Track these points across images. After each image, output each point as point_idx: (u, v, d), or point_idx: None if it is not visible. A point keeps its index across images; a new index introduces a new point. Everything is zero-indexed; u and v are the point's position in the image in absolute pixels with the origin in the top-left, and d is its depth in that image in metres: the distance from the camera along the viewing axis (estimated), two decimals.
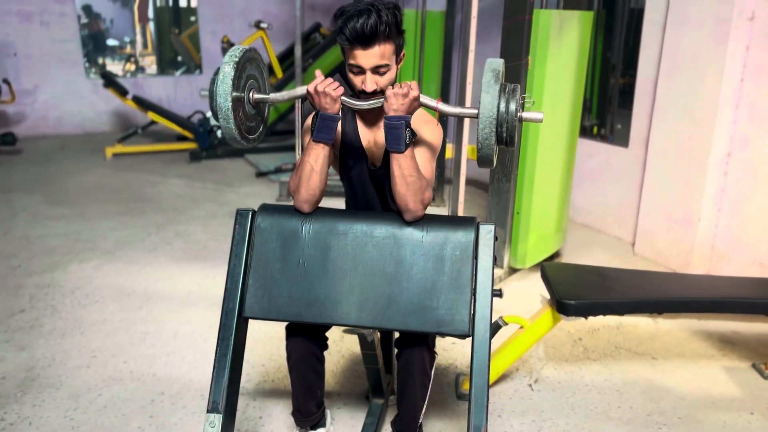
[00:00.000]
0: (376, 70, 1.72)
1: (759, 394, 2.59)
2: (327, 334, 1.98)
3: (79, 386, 2.57)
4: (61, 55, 8.40)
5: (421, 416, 2.00)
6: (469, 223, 1.78)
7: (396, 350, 1.95)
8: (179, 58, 9.46)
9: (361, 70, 1.72)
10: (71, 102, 8.57)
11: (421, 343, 1.85)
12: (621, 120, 4.42)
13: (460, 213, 3.51)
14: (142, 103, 7.36)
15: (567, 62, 3.49)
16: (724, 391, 2.62)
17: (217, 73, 1.72)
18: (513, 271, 3.76)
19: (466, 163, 3.54)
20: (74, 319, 3.16)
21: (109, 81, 7.26)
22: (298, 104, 5.19)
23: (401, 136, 1.68)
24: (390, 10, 1.68)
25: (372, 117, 1.86)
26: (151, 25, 9.23)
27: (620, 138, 4.42)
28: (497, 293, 1.75)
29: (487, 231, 1.75)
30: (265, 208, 1.86)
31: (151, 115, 7.26)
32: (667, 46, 3.80)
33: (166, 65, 9.32)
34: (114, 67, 9.01)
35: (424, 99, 1.70)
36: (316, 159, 1.76)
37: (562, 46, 3.41)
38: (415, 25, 4.97)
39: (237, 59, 1.71)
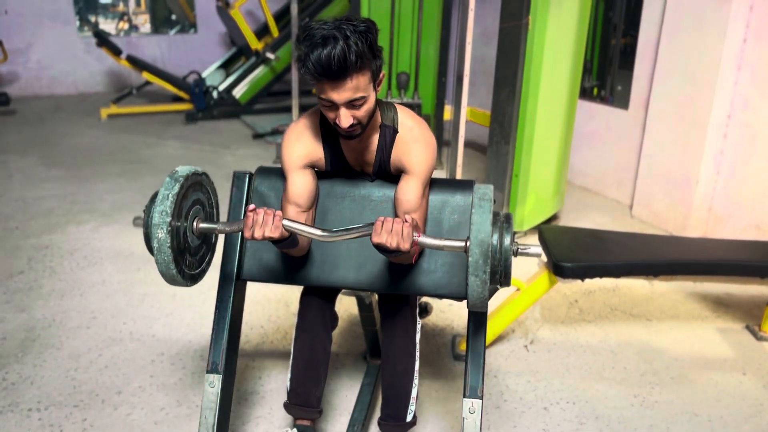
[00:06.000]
0: (351, 103, 1.48)
1: (751, 355, 2.63)
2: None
3: (79, 347, 2.59)
4: (53, 14, 8.24)
5: (413, 401, 1.82)
6: (467, 186, 1.77)
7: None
8: (173, 17, 9.29)
9: (333, 105, 1.49)
10: (64, 61, 8.44)
11: (402, 302, 1.82)
12: (621, 81, 4.37)
13: (459, 176, 3.50)
14: (137, 63, 7.26)
15: (568, 22, 3.43)
16: (717, 352, 2.65)
17: (153, 199, 1.48)
18: None
19: (464, 125, 3.51)
20: (73, 280, 3.17)
21: (103, 40, 7.14)
22: (294, 68, 5.09)
23: (390, 256, 1.54)
24: (362, 34, 1.42)
25: (356, 139, 1.63)
26: None
27: (620, 100, 4.38)
28: None
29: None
30: (263, 171, 1.85)
31: (146, 75, 7.16)
32: (669, 5, 3.74)
33: (160, 24, 9.16)
34: (107, 25, 8.85)
35: (418, 240, 1.44)
36: (289, 251, 1.67)
37: (563, 6, 3.34)
38: None
39: (176, 194, 1.46)
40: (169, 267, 1.47)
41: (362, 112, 1.52)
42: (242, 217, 1.78)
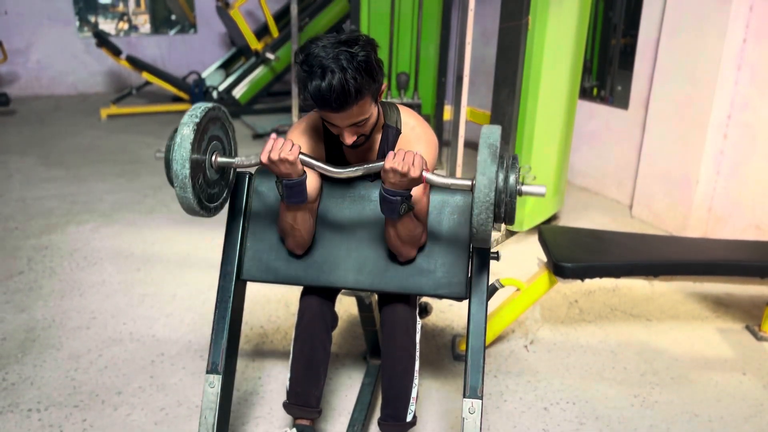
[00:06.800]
0: (354, 125, 1.52)
1: (751, 355, 2.63)
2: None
3: (79, 347, 2.59)
4: (53, 14, 8.24)
5: (413, 401, 1.82)
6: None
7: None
8: (173, 17, 9.28)
9: (335, 125, 1.53)
10: (64, 62, 8.44)
11: (402, 300, 1.81)
12: (621, 81, 4.37)
13: (459, 175, 3.50)
14: (137, 63, 7.26)
15: (568, 22, 3.43)
16: (717, 352, 2.65)
17: (174, 133, 1.52)
18: (510, 233, 3.77)
19: (464, 125, 3.51)
20: (73, 281, 3.17)
21: (102, 40, 7.14)
22: (294, 69, 5.10)
23: (396, 209, 1.54)
24: (360, 63, 1.42)
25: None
26: None
27: (620, 100, 4.38)
28: (494, 256, 1.75)
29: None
30: (263, 171, 1.84)
31: (146, 76, 7.16)
32: (669, 5, 3.74)
33: (160, 24, 9.16)
34: (106, 25, 8.85)
35: (426, 175, 1.49)
36: (294, 218, 1.66)
37: (563, 6, 3.34)
38: None
39: (198, 119, 1.50)
40: (186, 186, 1.48)
41: (366, 128, 1.57)
42: (244, 211, 1.79)
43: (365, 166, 1.54)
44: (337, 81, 1.40)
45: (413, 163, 1.46)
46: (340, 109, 1.45)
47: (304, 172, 1.58)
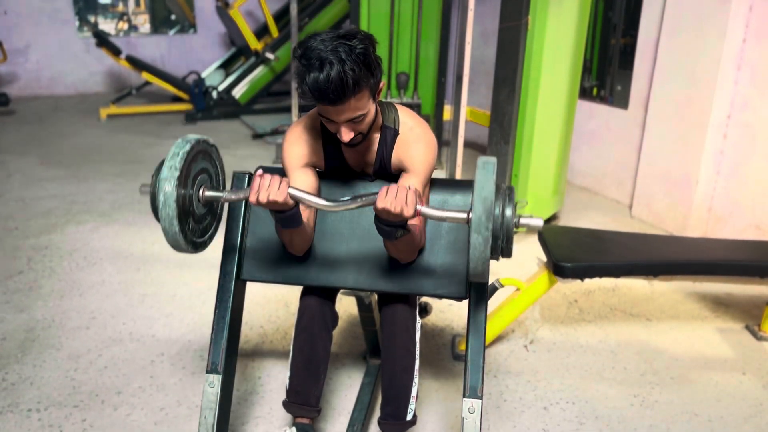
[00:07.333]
0: (351, 121, 1.51)
1: (751, 355, 2.63)
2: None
3: (79, 347, 2.59)
4: (52, 14, 8.24)
5: (413, 400, 1.82)
6: (467, 186, 1.77)
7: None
8: (173, 17, 9.28)
9: (333, 120, 1.52)
10: (64, 62, 8.44)
11: (402, 301, 1.81)
12: (621, 81, 4.37)
13: (458, 176, 3.50)
14: (136, 63, 7.26)
15: (567, 22, 3.43)
16: (716, 352, 2.65)
17: (160, 167, 1.48)
18: None
19: (464, 125, 3.51)
20: (72, 281, 3.17)
21: (102, 40, 7.14)
22: (294, 65, 5.11)
23: (392, 235, 1.53)
24: (359, 56, 1.42)
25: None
26: None
27: (620, 99, 4.38)
28: (494, 256, 1.75)
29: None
30: (263, 171, 1.84)
31: (146, 76, 7.16)
32: (669, 5, 3.74)
33: (160, 24, 9.16)
34: (106, 25, 8.85)
35: (420, 210, 1.44)
36: (290, 236, 1.66)
37: (563, 5, 3.34)
38: None
39: (185, 152, 1.46)
40: (172, 223, 1.45)
41: (363, 126, 1.55)
42: (243, 211, 1.78)
43: (359, 199, 1.49)
44: (336, 72, 1.39)
45: (406, 201, 1.42)
46: (337, 101, 1.43)
47: (296, 207, 1.55)
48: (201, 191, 1.57)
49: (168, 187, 1.42)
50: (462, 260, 1.72)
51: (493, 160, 1.40)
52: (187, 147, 1.48)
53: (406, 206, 1.42)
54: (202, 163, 1.58)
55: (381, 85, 1.56)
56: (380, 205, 1.44)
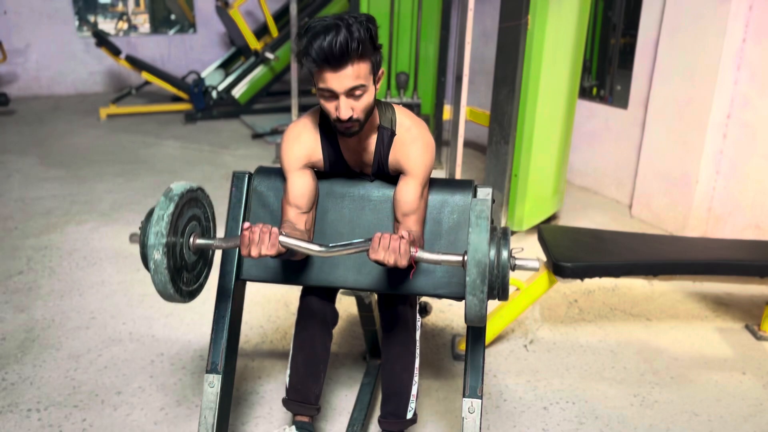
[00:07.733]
0: (351, 92, 1.49)
1: (751, 355, 2.63)
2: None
3: (78, 347, 2.59)
4: (52, 14, 8.24)
5: (414, 398, 1.83)
6: (466, 186, 1.77)
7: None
8: (173, 17, 9.28)
9: (333, 95, 1.49)
10: (63, 62, 8.44)
11: (402, 300, 1.82)
12: (621, 81, 4.37)
13: (458, 176, 3.50)
14: (136, 63, 7.26)
15: (567, 21, 3.43)
16: (716, 352, 2.65)
17: (149, 215, 1.46)
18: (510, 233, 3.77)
19: (464, 125, 3.51)
20: (72, 281, 3.17)
21: (102, 40, 7.14)
22: (294, 65, 5.09)
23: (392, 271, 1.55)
24: (362, 24, 1.45)
25: (354, 140, 1.67)
26: None
27: (619, 99, 4.38)
28: None
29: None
30: (262, 171, 1.84)
31: (145, 76, 7.16)
32: (669, 5, 3.74)
33: (159, 24, 9.16)
34: (106, 25, 8.85)
35: (415, 256, 1.44)
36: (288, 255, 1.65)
37: (563, 5, 3.34)
38: None
39: (175, 200, 1.45)
40: (166, 287, 1.46)
41: (362, 105, 1.52)
42: (243, 210, 1.78)
43: (352, 246, 1.47)
44: (342, 35, 1.41)
45: (400, 252, 1.41)
46: (341, 62, 1.43)
47: (283, 252, 1.52)
48: (191, 240, 1.55)
49: (157, 255, 1.41)
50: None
51: (487, 203, 1.40)
52: (171, 207, 1.45)
53: (400, 257, 1.41)
54: (190, 212, 1.55)
55: (381, 72, 1.56)
56: (373, 256, 1.43)
